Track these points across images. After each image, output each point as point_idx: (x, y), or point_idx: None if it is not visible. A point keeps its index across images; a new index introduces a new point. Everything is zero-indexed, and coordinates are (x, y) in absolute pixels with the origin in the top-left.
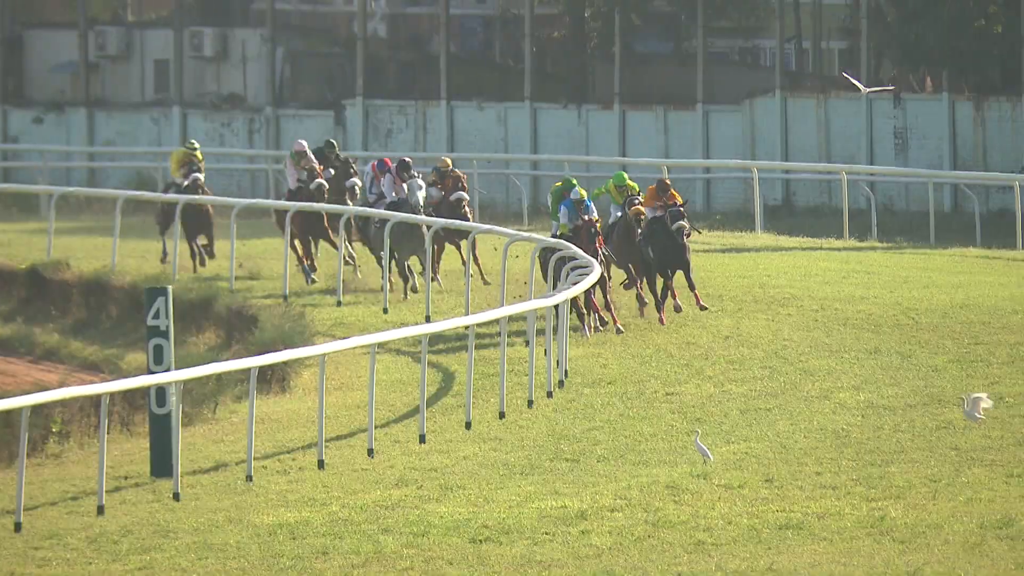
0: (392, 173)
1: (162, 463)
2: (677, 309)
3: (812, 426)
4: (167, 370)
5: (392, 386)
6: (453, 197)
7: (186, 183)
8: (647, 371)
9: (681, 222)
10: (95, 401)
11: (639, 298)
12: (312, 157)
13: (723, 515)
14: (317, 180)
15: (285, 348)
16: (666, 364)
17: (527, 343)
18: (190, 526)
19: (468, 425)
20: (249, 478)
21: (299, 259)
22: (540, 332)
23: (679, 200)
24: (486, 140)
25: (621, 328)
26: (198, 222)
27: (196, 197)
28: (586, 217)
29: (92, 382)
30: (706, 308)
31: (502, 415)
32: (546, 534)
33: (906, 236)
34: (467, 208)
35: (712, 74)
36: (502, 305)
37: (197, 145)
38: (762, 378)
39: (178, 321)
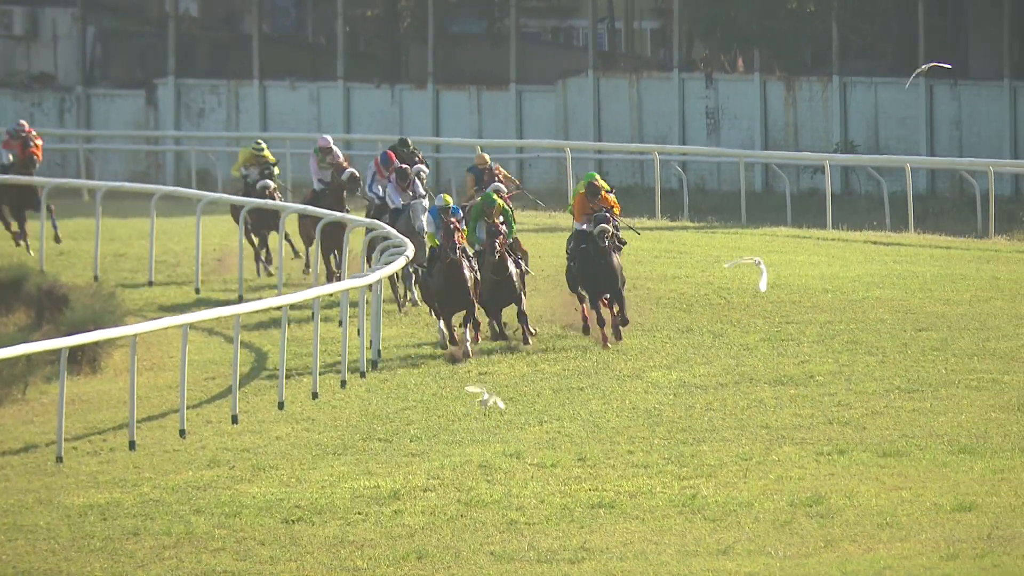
0: (392, 181)
1: None
2: (617, 337)
3: (624, 405)
4: None
5: (205, 366)
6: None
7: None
8: None
9: (604, 225)
10: None
11: (584, 320)
12: (338, 152)
13: (535, 494)
14: (349, 170)
15: (96, 328)
16: (479, 343)
17: (340, 323)
18: None
19: (281, 405)
20: (59, 459)
21: (256, 254)
22: (355, 314)
23: (612, 203)
24: (299, 120)
25: (530, 336)
26: None
27: (261, 201)
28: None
29: None
30: (626, 324)
31: (315, 395)
32: (359, 514)
33: (718, 216)
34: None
35: (525, 54)
36: (314, 285)
37: (264, 145)
38: (575, 357)
39: None
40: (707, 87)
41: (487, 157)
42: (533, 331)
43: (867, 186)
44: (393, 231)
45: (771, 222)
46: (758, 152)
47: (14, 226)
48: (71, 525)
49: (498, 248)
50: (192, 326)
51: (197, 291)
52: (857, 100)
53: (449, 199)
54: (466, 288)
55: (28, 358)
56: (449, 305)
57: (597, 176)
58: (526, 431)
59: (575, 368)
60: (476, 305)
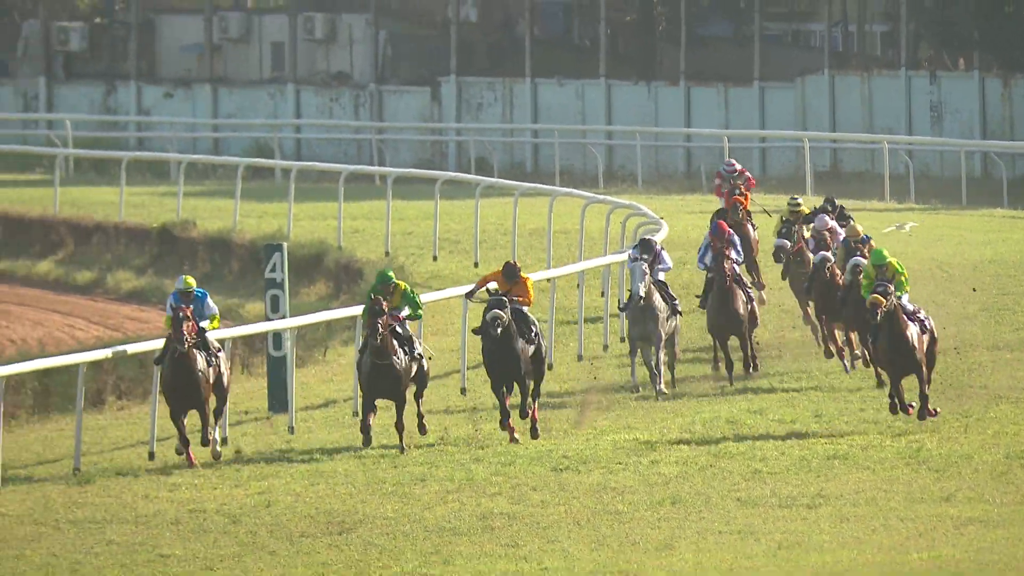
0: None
1: (278, 400)
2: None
3: (857, 368)
4: (283, 317)
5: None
6: (818, 258)
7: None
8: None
9: (496, 310)
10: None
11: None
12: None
13: (776, 447)
14: (822, 253)
15: None
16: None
17: (602, 294)
18: (303, 456)
19: (550, 366)
20: (355, 413)
21: None
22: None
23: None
24: (566, 113)
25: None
26: None
27: None
28: None
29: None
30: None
31: (580, 357)
32: (619, 464)
33: (940, 199)
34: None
35: (767, 54)
36: (579, 260)
37: (800, 200)
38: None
39: (292, 274)
40: (931, 84)
41: (801, 203)
42: (423, 429)
43: None
44: (649, 211)
45: (989, 204)
46: (977, 141)
47: None
48: (366, 471)
49: (381, 330)
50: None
51: (476, 264)
52: None
53: (191, 281)
54: (196, 383)
55: (328, 324)
56: (177, 401)
57: (886, 253)
58: (770, 392)
59: (812, 335)
60: (206, 403)
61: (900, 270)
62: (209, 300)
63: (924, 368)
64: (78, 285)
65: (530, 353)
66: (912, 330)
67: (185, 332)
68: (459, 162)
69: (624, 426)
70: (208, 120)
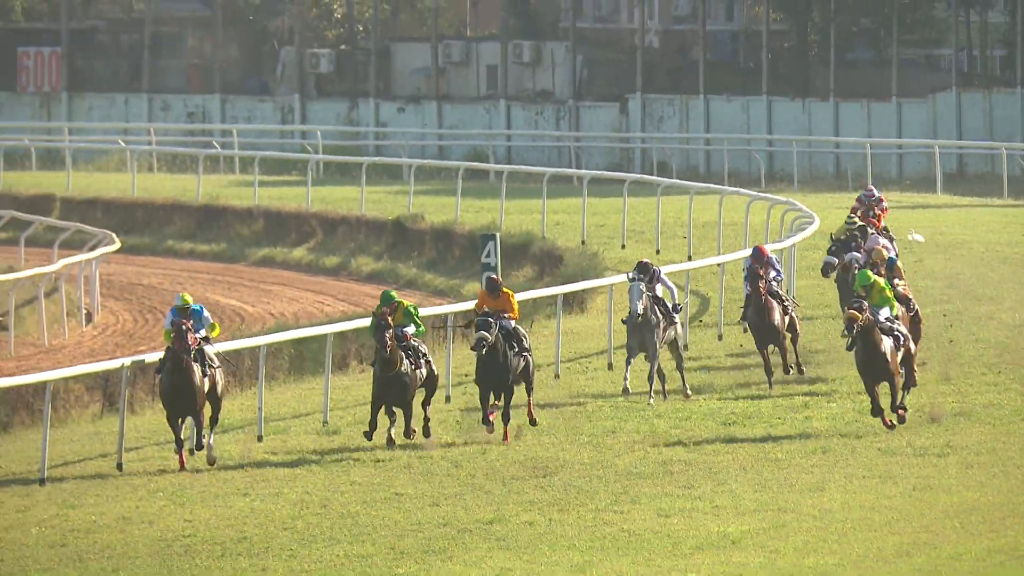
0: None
1: None
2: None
3: (979, 338)
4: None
5: None
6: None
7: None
8: None
9: (483, 332)
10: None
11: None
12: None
13: (911, 404)
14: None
15: (583, 280)
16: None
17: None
18: (513, 410)
19: (720, 336)
20: (557, 376)
21: None
22: None
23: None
24: (733, 124)
25: None
26: None
27: None
28: None
29: (439, 304)
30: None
31: (720, 337)
32: (778, 419)
33: None
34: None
35: (904, 75)
36: (744, 247)
37: (855, 219)
38: (941, 301)
39: (504, 259)
40: None
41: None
42: (412, 431)
43: None
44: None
45: None
46: None
47: None
48: (566, 424)
49: (388, 342)
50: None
51: (657, 251)
52: None
53: (188, 298)
54: (193, 393)
55: (534, 301)
56: (174, 408)
57: (870, 273)
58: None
59: (940, 310)
60: (200, 412)
61: (885, 288)
62: (205, 313)
63: (896, 378)
64: (326, 268)
65: (520, 366)
66: (887, 344)
67: (189, 341)
68: (643, 166)
69: (781, 392)
70: (434, 130)
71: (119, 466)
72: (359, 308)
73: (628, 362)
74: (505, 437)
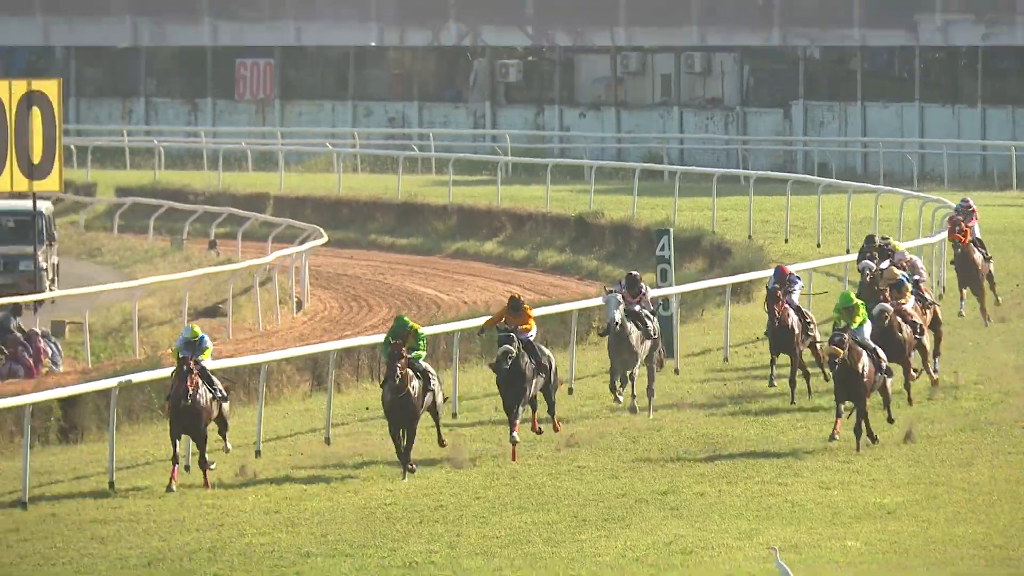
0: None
1: (667, 348)
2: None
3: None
4: (670, 286)
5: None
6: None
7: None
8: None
9: (507, 346)
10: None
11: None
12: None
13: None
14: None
15: (750, 271)
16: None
17: None
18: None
19: None
20: (726, 359)
21: None
22: None
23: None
24: (888, 129)
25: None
26: None
27: None
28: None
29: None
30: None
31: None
32: (929, 399)
33: None
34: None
35: None
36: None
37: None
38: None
39: (677, 252)
40: None
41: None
42: (411, 468)
43: None
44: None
45: None
46: None
47: None
48: (733, 402)
49: (399, 372)
50: (814, 270)
51: (818, 245)
52: None
53: (197, 330)
54: (199, 418)
55: (704, 291)
56: (178, 427)
57: (852, 295)
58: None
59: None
60: (204, 433)
61: (863, 305)
62: (206, 339)
63: (865, 400)
64: (514, 260)
65: (541, 380)
66: (864, 362)
67: (189, 387)
68: (805, 166)
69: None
70: (613, 134)
71: (327, 440)
72: (544, 296)
73: (613, 377)
74: (556, 427)
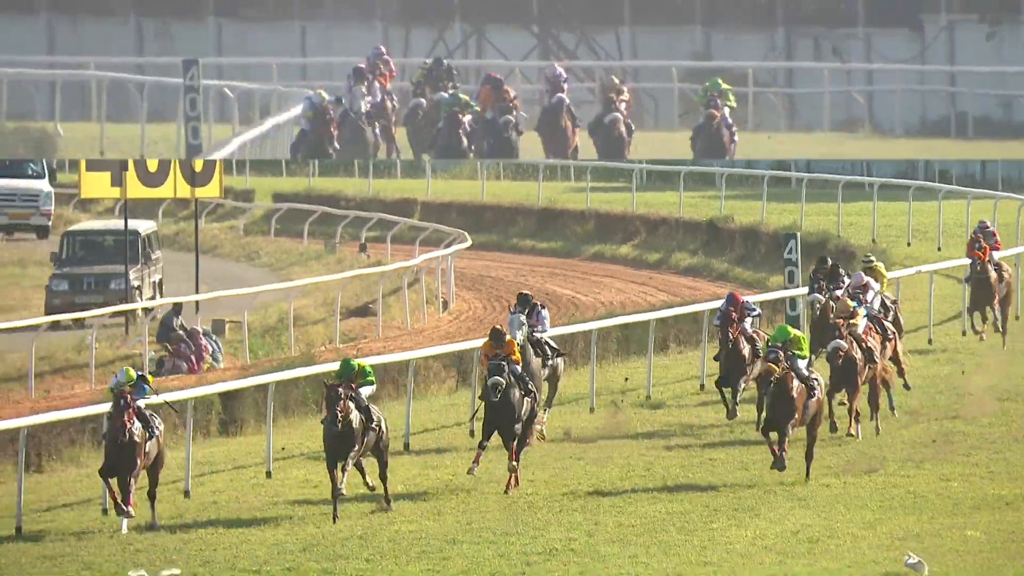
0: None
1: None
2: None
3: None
4: (797, 287)
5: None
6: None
7: None
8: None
9: (496, 377)
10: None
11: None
12: None
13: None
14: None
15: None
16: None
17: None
18: None
19: (930, 342)
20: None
21: None
22: None
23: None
24: None
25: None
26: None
27: None
28: None
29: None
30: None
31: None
32: None
33: None
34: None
35: None
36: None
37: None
38: None
39: (804, 255)
40: None
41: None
42: (387, 503)
43: None
44: None
45: None
46: None
47: None
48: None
49: (340, 415)
50: (936, 272)
51: (939, 248)
52: None
53: (132, 373)
54: (133, 458)
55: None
56: (111, 463)
57: (789, 329)
58: None
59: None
60: (132, 473)
61: (803, 338)
62: (147, 378)
63: (791, 429)
64: (649, 263)
65: (528, 411)
66: (796, 388)
67: (126, 422)
68: (926, 174)
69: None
70: None
71: (471, 432)
72: (677, 298)
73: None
74: (514, 483)
